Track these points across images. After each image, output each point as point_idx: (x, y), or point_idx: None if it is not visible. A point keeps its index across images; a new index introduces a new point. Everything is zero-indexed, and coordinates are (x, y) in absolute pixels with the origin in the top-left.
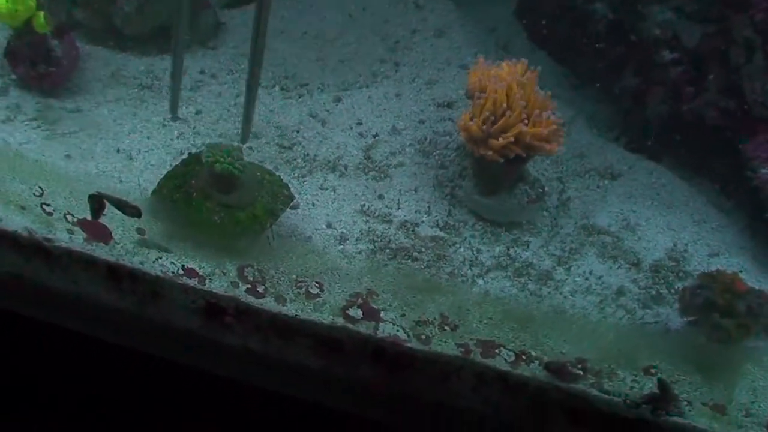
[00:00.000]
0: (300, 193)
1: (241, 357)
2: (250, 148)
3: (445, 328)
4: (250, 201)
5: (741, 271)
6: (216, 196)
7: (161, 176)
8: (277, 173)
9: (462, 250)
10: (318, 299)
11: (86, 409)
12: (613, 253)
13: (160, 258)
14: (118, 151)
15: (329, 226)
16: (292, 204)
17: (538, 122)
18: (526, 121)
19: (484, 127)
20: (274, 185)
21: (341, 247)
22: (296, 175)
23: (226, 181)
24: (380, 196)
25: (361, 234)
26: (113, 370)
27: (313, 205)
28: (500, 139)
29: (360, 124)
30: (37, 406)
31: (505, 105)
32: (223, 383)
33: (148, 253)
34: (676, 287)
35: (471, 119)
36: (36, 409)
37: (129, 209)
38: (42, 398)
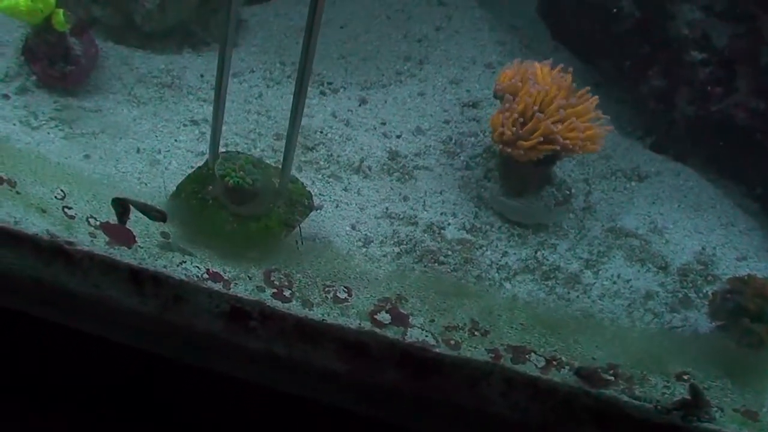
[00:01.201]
0: (324, 195)
1: (266, 361)
2: (273, 149)
3: (475, 333)
4: (265, 212)
5: None
6: (230, 206)
7: (182, 178)
8: (299, 180)
9: (489, 253)
10: (346, 303)
11: (106, 413)
12: (640, 257)
13: (184, 262)
14: (138, 151)
15: (354, 228)
16: (316, 205)
17: (574, 126)
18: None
19: (514, 128)
20: (294, 194)
21: (366, 249)
22: (320, 176)
23: (240, 192)
24: (405, 198)
25: (386, 237)
26: (134, 375)
27: (337, 206)
28: (529, 140)
29: (384, 124)
30: (56, 408)
31: (536, 107)
32: (246, 387)
33: (172, 256)
34: (704, 291)
35: (503, 121)
36: (55, 412)
37: (154, 213)
38: (60, 401)
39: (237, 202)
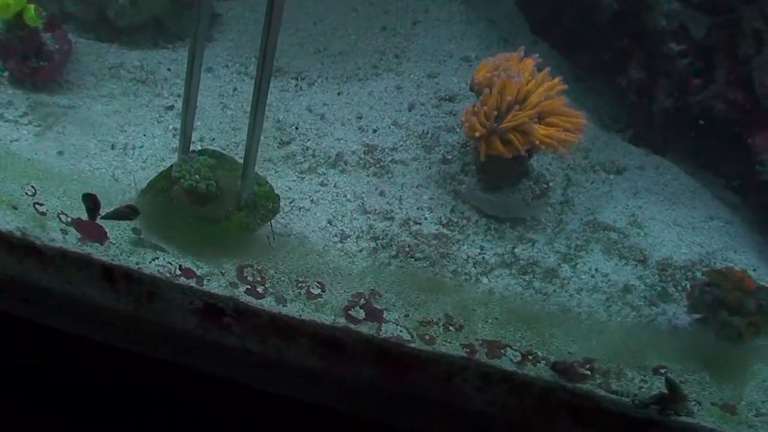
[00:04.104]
0: (299, 190)
1: (240, 358)
2: None
3: (450, 328)
4: (225, 215)
5: (755, 270)
6: (191, 207)
7: (156, 173)
8: (268, 183)
9: (465, 247)
10: (319, 299)
11: (82, 411)
12: (619, 250)
13: (156, 258)
14: (112, 147)
15: (330, 223)
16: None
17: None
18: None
19: (488, 123)
20: (259, 197)
21: (342, 245)
22: (296, 171)
23: (198, 194)
24: (382, 193)
25: (362, 232)
26: (109, 372)
27: (313, 201)
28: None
29: (360, 118)
30: (31, 407)
31: (511, 99)
32: (221, 385)
33: (145, 253)
34: (683, 284)
35: (475, 115)
36: (30, 411)
37: (125, 211)
38: (36, 400)
39: (197, 203)
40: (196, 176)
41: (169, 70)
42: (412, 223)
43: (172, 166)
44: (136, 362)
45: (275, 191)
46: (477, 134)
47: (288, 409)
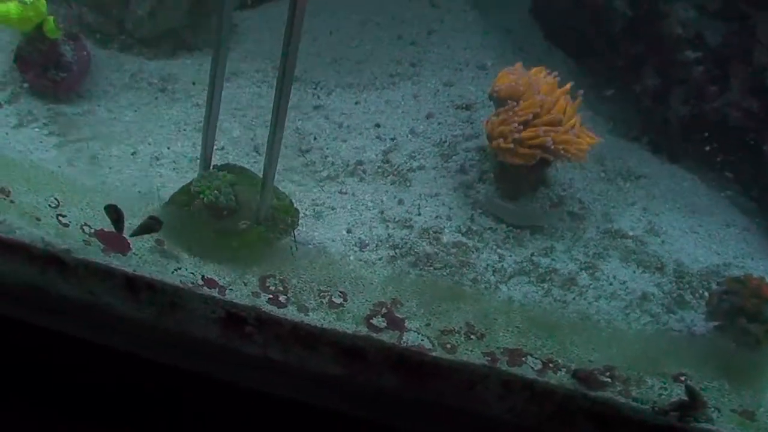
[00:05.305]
0: (319, 199)
1: (263, 367)
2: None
3: (471, 336)
4: (245, 228)
5: None
6: (210, 222)
7: (176, 183)
8: (288, 197)
9: (484, 255)
10: (341, 308)
11: (104, 420)
12: (636, 258)
13: (179, 268)
14: (132, 157)
15: (349, 231)
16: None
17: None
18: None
19: (516, 135)
20: (278, 211)
21: (361, 253)
22: (315, 179)
23: (218, 209)
24: (400, 201)
25: (381, 240)
26: (131, 381)
27: (332, 209)
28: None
29: (378, 126)
30: (52, 416)
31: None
32: (244, 393)
33: (167, 263)
34: (700, 292)
35: (500, 126)
36: (50, 420)
37: (150, 225)
38: (57, 408)
39: (216, 218)
40: (216, 192)
41: (193, 83)
42: (431, 232)
43: (192, 181)
44: (156, 370)
45: (294, 201)
46: (503, 147)
47: (309, 416)
